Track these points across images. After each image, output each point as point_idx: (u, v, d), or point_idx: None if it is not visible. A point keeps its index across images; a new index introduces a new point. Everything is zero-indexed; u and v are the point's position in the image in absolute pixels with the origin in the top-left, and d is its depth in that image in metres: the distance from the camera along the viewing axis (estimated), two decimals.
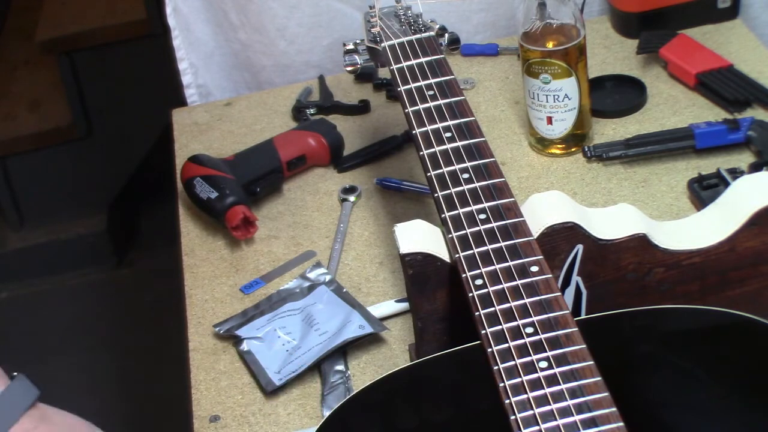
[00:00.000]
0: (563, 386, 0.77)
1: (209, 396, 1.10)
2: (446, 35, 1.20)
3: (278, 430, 1.05)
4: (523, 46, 1.27)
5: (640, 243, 0.94)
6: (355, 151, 1.40)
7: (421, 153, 1.00)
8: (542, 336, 0.80)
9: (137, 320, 2.53)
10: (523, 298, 0.84)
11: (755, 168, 1.22)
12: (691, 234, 0.97)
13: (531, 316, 0.82)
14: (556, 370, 0.78)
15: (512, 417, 0.75)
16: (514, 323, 0.82)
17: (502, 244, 0.89)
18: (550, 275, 0.86)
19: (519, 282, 0.85)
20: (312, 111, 1.50)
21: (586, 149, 1.30)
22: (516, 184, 1.29)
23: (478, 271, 0.87)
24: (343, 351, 1.11)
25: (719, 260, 0.95)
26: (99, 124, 2.75)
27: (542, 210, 0.94)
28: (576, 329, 0.81)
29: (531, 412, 0.75)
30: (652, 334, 0.86)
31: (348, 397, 0.91)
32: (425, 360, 0.88)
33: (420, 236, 0.95)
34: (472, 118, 1.02)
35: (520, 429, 0.74)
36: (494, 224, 0.91)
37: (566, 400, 0.76)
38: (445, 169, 0.97)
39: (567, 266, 0.95)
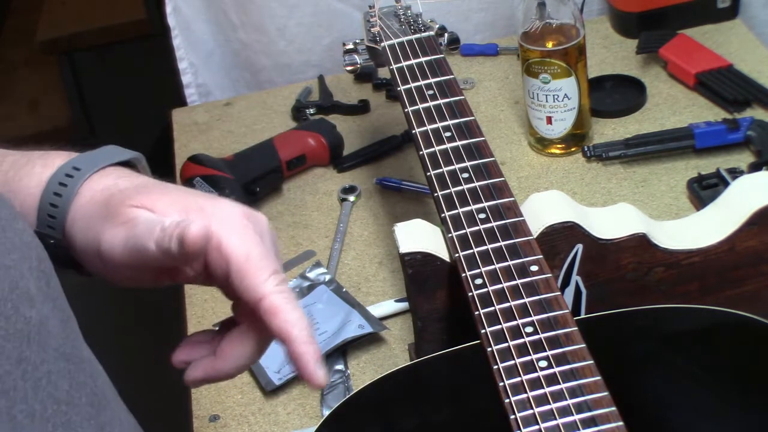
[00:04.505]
0: (563, 385, 0.76)
1: (209, 395, 1.10)
2: (446, 35, 1.20)
3: (278, 429, 1.05)
4: (522, 46, 1.27)
5: (640, 242, 0.94)
6: (354, 151, 1.40)
7: (421, 152, 0.99)
8: (542, 335, 0.80)
9: (137, 320, 2.52)
10: (523, 298, 0.84)
11: (755, 168, 1.21)
12: (690, 234, 0.97)
13: (531, 316, 0.82)
14: (556, 370, 0.78)
15: (512, 416, 0.75)
16: (514, 322, 0.82)
17: (502, 243, 0.89)
18: (550, 275, 0.86)
19: (519, 281, 0.85)
20: (312, 111, 1.49)
21: (586, 149, 1.30)
22: (516, 183, 1.29)
23: (477, 271, 0.87)
24: (343, 350, 1.11)
25: (719, 260, 0.95)
26: (99, 124, 2.75)
27: (542, 209, 0.94)
28: (575, 328, 0.81)
29: (530, 411, 0.75)
30: (652, 333, 0.86)
31: (347, 396, 0.91)
32: (425, 360, 0.88)
33: (420, 236, 0.95)
34: (472, 118, 1.02)
35: (519, 428, 0.74)
36: (494, 224, 0.90)
37: (566, 400, 0.75)
38: (445, 169, 0.97)
39: (567, 266, 0.95)
